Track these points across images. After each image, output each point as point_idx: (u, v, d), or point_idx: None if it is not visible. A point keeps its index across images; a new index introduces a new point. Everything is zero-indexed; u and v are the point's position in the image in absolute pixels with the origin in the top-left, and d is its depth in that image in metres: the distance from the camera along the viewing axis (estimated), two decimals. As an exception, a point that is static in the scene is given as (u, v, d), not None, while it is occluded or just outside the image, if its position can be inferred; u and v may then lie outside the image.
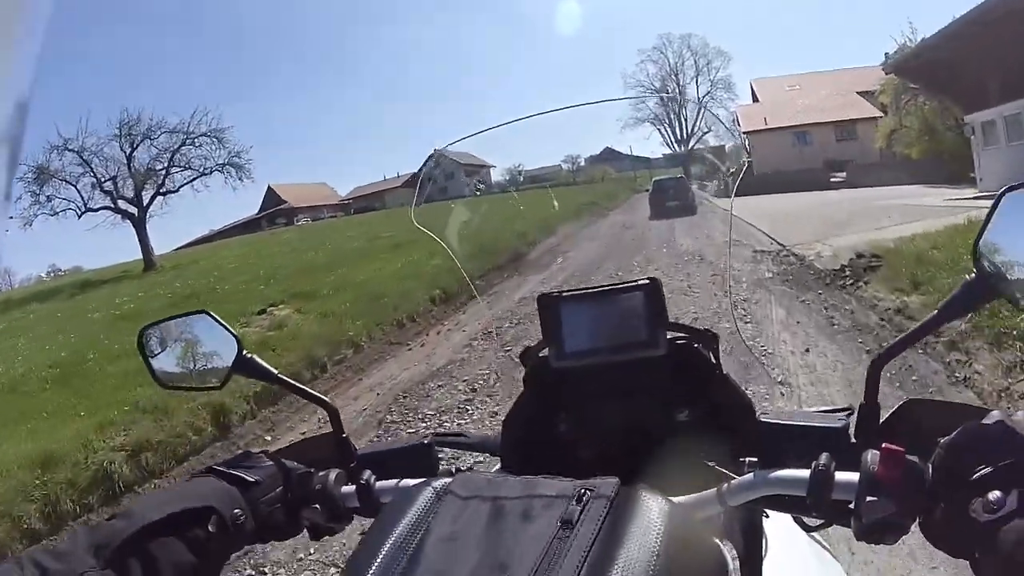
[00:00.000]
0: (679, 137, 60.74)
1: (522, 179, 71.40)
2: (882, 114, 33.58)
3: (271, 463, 0.79)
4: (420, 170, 71.92)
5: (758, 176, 28.09)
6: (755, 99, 40.22)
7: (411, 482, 0.73)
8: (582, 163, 70.68)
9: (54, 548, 0.58)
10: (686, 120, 60.70)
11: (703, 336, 0.87)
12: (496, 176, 70.79)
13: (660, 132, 61.51)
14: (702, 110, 60.89)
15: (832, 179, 27.23)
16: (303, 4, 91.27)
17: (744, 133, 33.67)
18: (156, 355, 0.89)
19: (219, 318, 0.86)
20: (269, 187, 71.52)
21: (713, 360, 0.86)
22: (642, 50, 67.10)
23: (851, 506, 0.59)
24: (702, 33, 67.81)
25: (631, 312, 0.87)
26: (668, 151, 60.78)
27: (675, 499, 0.61)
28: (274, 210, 68.74)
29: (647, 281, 0.87)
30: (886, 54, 41.61)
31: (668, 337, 0.87)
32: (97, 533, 0.60)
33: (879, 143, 29.18)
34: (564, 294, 0.90)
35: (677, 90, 59.82)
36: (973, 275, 0.60)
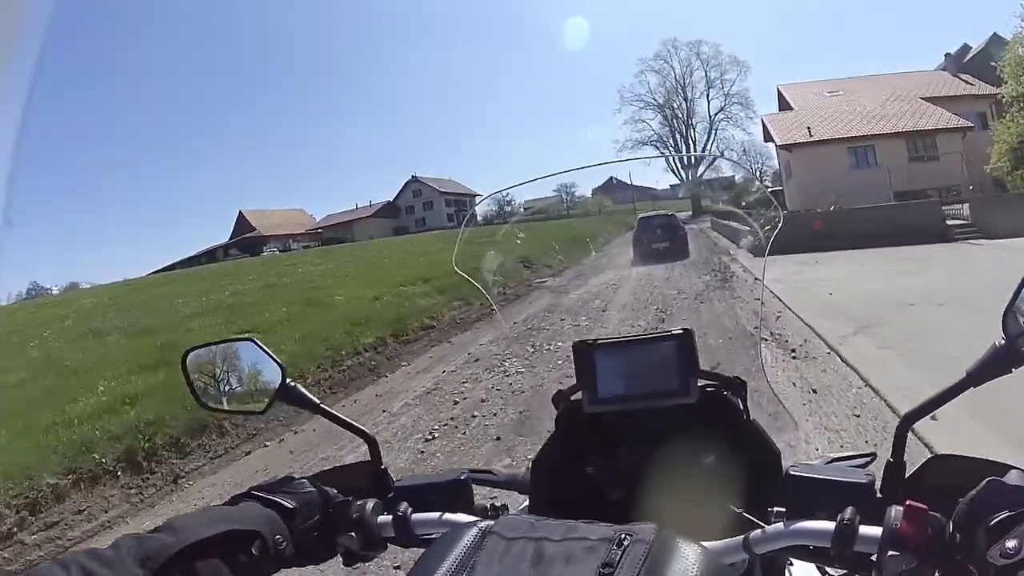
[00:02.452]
0: (687, 162, 49.96)
1: (510, 210, 61.87)
2: (969, 124, 23.05)
3: (310, 489, 0.79)
4: (396, 198, 63.97)
5: (806, 216, 17.01)
6: (783, 107, 29.48)
7: (447, 516, 0.79)
8: (578, 193, 60.29)
9: (100, 554, 0.57)
10: (694, 142, 49.99)
11: (732, 384, 0.87)
12: (487, 205, 60.59)
13: (665, 158, 50.68)
14: (714, 131, 49.21)
15: (949, 220, 15.57)
16: (294, 25, 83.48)
17: (780, 148, 22.98)
18: (200, 376, 0.90)
19: (264, 346, 0.87)
20: (240, 212, 63.25)
21: (741, 407, 0.86)
22: (642, 59, 55.78)
23: (874, 559, 0.60)
24: (714, 40, 55.33)
25: (664, 361, 0.87)
26: (681, 178, 49.72)
27: (705, 544, 0.62)
28: (240, 238, 60.32)
29: (680, 331, 0.87)
30: (947, 54, 32.11)
31: (699, 385, 0.87)
32: (144, 544, 0.60)
33: (995, 160, 18.33)
34: (599, 341, 0.90)
35: (684, 106, 49.16)
36: (1002, 340, 0.62)
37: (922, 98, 25.42)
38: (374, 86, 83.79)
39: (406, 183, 65.26)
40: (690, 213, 40.87)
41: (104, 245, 75.55)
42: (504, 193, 56.69)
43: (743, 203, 26.88)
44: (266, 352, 0.87)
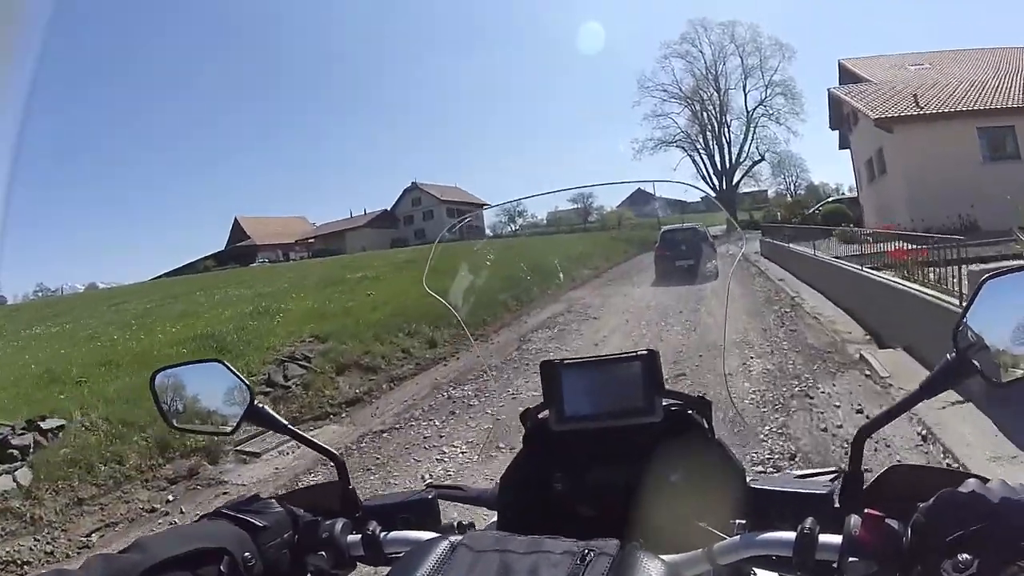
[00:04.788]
0: (719, 168, 41.56)
1: (522, 221, 54.81)
2: None
3: (280, 509, 0.78)
4: (394, 206, 57.10)
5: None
6: (845, 81, 21.16)
7: (417, 534, 0.79)
8: (596, 204, 52.44)
9: (68, 575, 0.57)
10: (729, 142, 41.60)
11: (697, 403, 0.87)
12: (494, 216, 53.61)
13: (693, 161, 42.39)
14: (753, 128, 40.33)
15: None
16: (313, 27, 78.50)
17: (877, 122, 14.70)
18: (168, 397, 0.90)
19: (232, 367, 0.87)
20: (236, 220, 57.77)
21: (706, 426, 0.87)
22: (666, 43, 45.82)
23: (835, 566, 0.61)
24: (750, 21, 46.04)
25: (629, 380, 0.88)
26: (713, 186, 40.73)
27: (668, 558, 0.64)
28: (232, 248, 56.03)
29: (645, 352, 0.88)
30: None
31: (664, 404, 0.88)
32: (112, 564, 0.60)
33: None
34: (566, 361, 0.91)
35: (717, 99, 40.90)
36: (953, 354, 0.63)
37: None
38: (386, 93, 78.71)
39: (405, 190, 58.73)
40: (723, 227, 32.81)
41: (105, 250, 72.96)
42: (515, 204, 49.73)
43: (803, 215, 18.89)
44: (234, 373, 0.87)
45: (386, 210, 59.03)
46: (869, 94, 16.98)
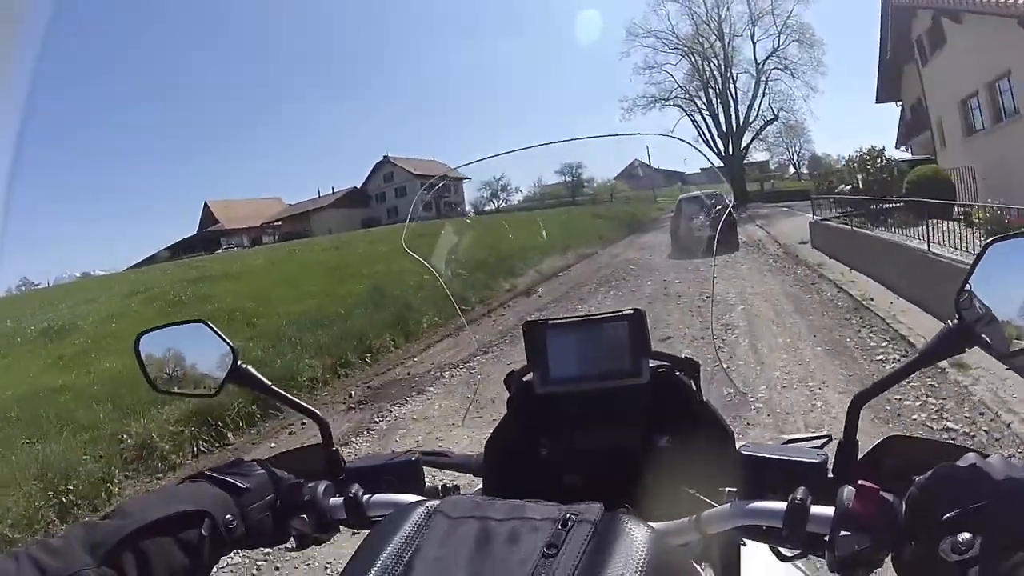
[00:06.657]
0: (724, 129, 35.65)
1: (505, 195, 49.79)
2: None
3: (262, 471, 0.78)
4: (365, 183, 51.40)
5: None
6: (898, 18, 15.22)
7: (399, 497, 0.77)
8: (586, 176, 47.06)
9: (50, 544, 0.57)
10: (735, 100, 35.56)
11: (685, 365, 0.86)
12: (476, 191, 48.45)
13: (694, 121, 36.47)
14: (764, 83, 34.11)
15: None
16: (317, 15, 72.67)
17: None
18: (152, 360, 0.89)
19: (216, 328, 0.85)
20: (205, 204, 53.13)
21: (694, 388, 0.85)
22: None
23: (826, 539, 0.59)
24: None
25: (615, 341, 0.85)
26: (718, 150, 34.61)
27: (655, 525, 0.64)
28: (203, 233, 50.90)
29: (632, 311, 0.86)
30: None
31: (651, 366, 0.85)
32: (93, 531, 0.60)
33: None
34: (550, 321, 0.88)
35: (721, 49, 34.78)
36: (954, 321, 0.60)
37: None
38: (366, 74, 73.15)
39: (376, 165, 53.07)
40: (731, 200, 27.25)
41: (100, 237, 71.40)
42: (497, 178, 44.08)
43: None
44: (218, 334, 0.85)
45: (356, 188, 53.53)
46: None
